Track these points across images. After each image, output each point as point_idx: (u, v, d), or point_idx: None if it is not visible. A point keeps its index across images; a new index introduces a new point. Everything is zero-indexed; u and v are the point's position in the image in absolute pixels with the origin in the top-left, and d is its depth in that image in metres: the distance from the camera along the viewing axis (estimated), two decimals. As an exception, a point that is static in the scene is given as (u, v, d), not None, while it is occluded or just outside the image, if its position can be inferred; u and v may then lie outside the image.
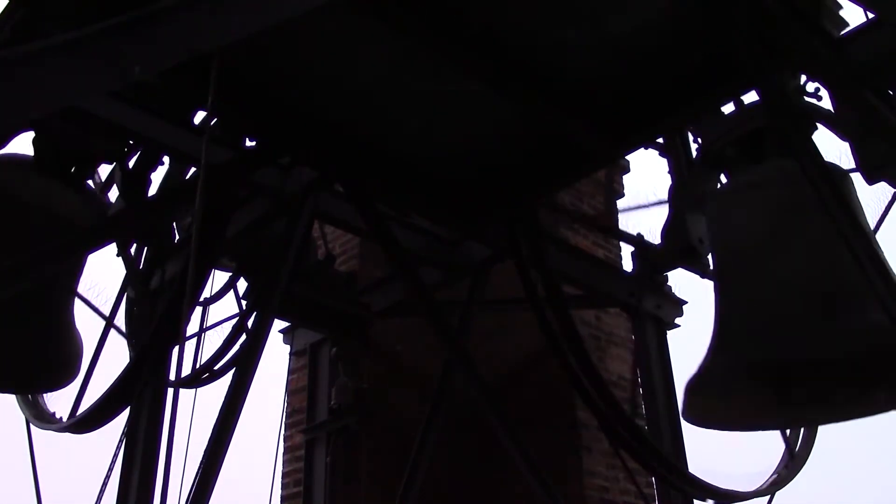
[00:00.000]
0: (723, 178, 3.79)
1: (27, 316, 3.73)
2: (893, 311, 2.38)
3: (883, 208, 3.44)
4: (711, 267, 3.88)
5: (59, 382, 4.05)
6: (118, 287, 4.55)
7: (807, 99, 3.34)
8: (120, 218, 4.18)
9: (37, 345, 3.87)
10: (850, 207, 2.81)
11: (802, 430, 4.80)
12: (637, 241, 4.95)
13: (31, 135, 3.89)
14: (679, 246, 4.48)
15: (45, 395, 4.53)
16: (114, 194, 4.41)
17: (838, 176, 3.06)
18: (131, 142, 4.05)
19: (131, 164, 4.17)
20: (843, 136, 3.20)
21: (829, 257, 2.87)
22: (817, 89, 3.29)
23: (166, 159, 4.23)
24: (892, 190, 3.30)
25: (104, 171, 4.47)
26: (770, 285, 3.07)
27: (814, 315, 2.93)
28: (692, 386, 3.19)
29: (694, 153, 4.38)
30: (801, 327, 2.93)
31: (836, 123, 3.20)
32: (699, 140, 3.91)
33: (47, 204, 3.75)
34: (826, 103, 3.32)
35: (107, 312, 4.52)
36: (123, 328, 4.58)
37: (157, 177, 4.30)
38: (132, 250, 4.48)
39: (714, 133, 3.48)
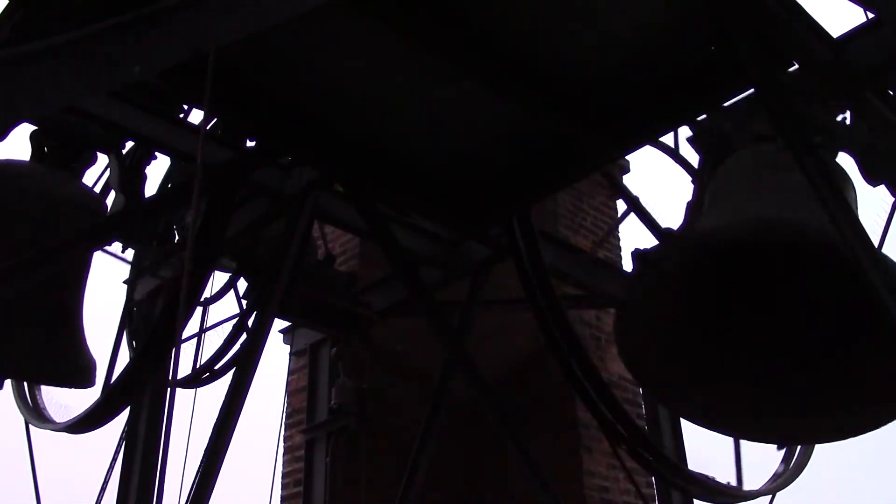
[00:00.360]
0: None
1: (38, 311, 3.72)
2: (894, 311, 2.38)
3: (886, 215, 3.43)
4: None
5: (76, 380, 4.03)
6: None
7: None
8: (121, 217, 4.19)
9: (50, 339, 3.86)
10: (851, 208, 2.81)
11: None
12: (635, 202, 4.92)
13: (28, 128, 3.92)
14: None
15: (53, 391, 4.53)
16: (112, 197, 4.42)
17: (839, 176, 3.06)
18: (130, 141, 4.06)
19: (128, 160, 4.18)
20: (852, 152, 3.20)
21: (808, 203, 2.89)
22: (844, 119, 3.28)
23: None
24: (892, 199, 3.29)
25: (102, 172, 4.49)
26: (744, 213, 3.11)
27: (785, 223, 3.02)
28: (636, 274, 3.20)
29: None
30: (770, 224, 3.03)
31: (848, 137, 3.19)
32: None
33: (49, 193, 3.76)
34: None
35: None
36: (125, 328, 4.59)
37: (153, 170, 4.33)
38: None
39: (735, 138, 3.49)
